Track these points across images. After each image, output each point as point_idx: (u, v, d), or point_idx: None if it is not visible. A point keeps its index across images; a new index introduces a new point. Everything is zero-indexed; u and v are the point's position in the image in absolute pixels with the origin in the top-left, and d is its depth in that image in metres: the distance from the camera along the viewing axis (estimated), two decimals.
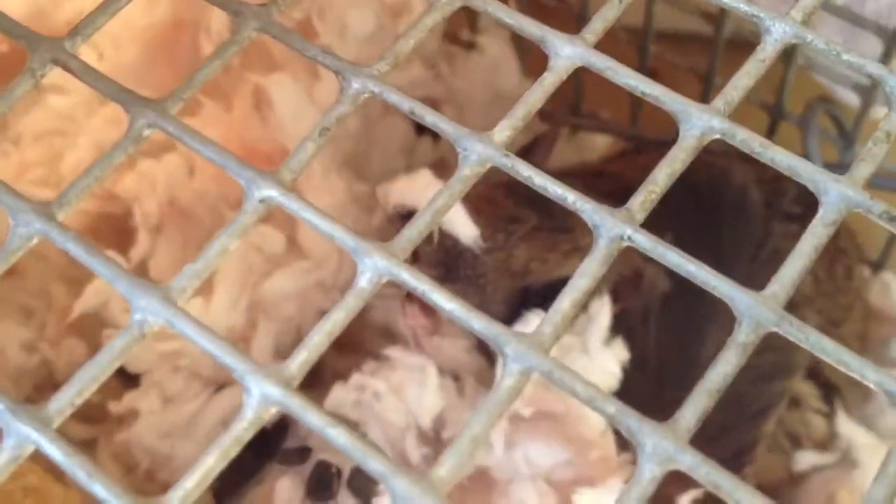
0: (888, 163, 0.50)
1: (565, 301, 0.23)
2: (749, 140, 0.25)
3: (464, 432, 0.21)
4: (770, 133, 0.54)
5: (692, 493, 0.38)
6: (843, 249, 0.50)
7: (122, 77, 0.28)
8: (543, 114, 0.62)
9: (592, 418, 0.38)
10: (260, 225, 0.47)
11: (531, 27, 0.27)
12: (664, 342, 0.44)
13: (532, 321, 0.38)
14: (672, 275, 0.24)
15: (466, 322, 0.23)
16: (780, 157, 0.25)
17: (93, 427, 0.49)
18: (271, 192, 0.25)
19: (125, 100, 0.26)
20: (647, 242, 0.24)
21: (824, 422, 0.48)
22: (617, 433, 0.38)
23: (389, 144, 0.55)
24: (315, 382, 0.49)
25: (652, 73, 0.57)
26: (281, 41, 0.27)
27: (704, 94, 0.55)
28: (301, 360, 0.23)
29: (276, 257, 0.46)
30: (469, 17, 0.59)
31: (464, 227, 0.39)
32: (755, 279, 0.46)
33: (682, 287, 0.25)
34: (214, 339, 0.23)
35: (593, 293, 0.24)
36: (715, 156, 0.44)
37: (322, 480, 0.40)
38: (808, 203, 0.25)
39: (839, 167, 0.52)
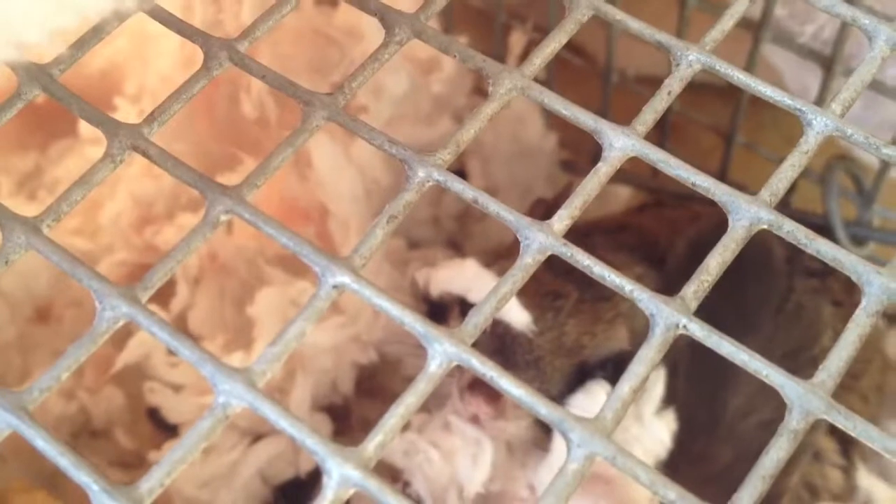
0: None
1: (625, 387, 0.25)
2: (795, 231, 0.27)
3: None
4: (790, 191, 0.56)
5: None
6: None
7: (162, 131, 0.29)
8: (566, 165, 0.63)
9: None
10: (297, 280, 0.48)
11: (586, 119, 0.29)
12: (693, 395, 0.45)
13: (594, 390, 0.40)
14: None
15: (532, 407, 0.24)
16: (824, 248, 0.26)
17: (131, 474, 0.51)
18: (345, 278, 0.26)
19: (203, 186, 0.28)
20: (701, 331, 0.25)
21: (842, 475, 0.49)
22: None
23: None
24: (344, 429, 0.51)
25: (673, 127, 0.60)
26: (348, 129, 0.29)
27: (726, 151, 0.56)
28: (377, 443, 0.24)
29: None
30: None
31: (516, 313, 0.40)
32: (779, 334, 0.47)
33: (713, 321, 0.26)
34: (295, 422, 0.24)
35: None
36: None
37: None
38: None
39: (858, 225, 0.53)
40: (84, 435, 0.53)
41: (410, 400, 0.25)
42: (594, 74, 0.59)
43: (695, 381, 0.45)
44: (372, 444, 0.24)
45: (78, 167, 0.57)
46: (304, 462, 0.48)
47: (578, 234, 0.50)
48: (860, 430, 0.24)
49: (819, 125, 0.28)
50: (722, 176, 0.57)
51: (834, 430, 0.49)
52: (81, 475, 0.24)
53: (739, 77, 0.29)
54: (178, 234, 0.52)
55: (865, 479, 0.49)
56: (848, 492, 0.49)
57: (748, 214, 0.27)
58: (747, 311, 0.46)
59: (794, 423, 0.24)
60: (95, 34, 0.29)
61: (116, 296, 0.26)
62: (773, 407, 0.25)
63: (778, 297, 0.48)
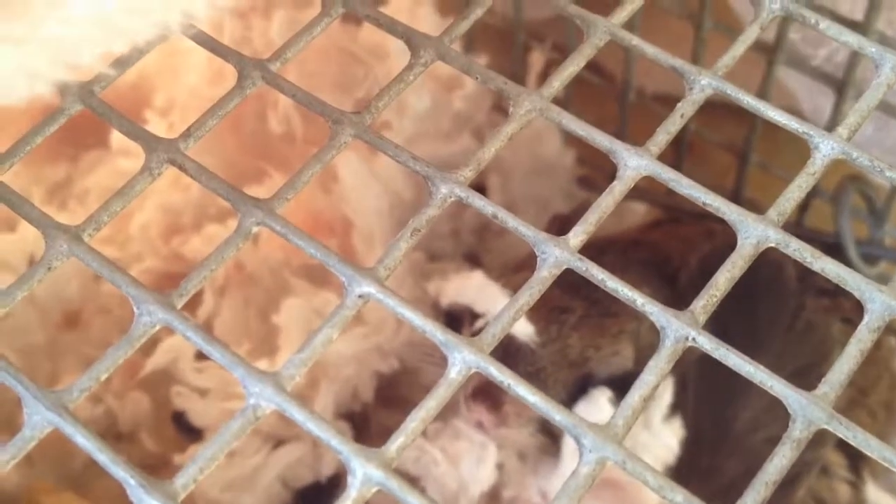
0: None
1: (635, 395, 0.26)
2: (801, 250, 0.28)
3: None
4: (802, 210, 0.57)
5: None
6: None
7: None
8: (583, 181, 0.64)
9: None
10: (321, 291, 0.50)
11: (602, 139, 0.30)
12: (701, 409, 0.47)
13: (596, 398, 0.41)
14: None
15: (547, 413, 0.26)
16: (829, 266, 0.28)
17: (156, 477, 0.52)
18: (370, 288, 0.28)
19: (236, 199, 0.29)
20: (709, 344, 0.26)
21: (850, 490, 0.50)
22: None
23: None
24: (363, 437, 0.52)
25: (691, 147, 0.61)
26: (375, 147, 0.30)
27: (741, 170, 0.58)
28: (399, 444, 0.26)
29: None
30: None
31: (521, 325, 0.42)
32: (789, 350, 0.48)
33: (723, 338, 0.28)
34: (321, 424, 0.26)
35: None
36: None
37: None
38: None
39: (869, 244, 0.54)
40: (110, 438, 0.55)
41: (431, 404, 0.26)
42: (613, 93, 0.60)
43: (704, 395, 0.46)
44: (394, 446, 0.25)
45: (108, 178, 0.58)
46: (325, 467, 0.49)
47: (593, 249, 0.52)
48: (860, 439, 0.25)
49: (826, 148, 0.30)
50: (737, 194, 0.58)
51: (842, 445, 0.50)
52: (119, 470, 0.25)
53: (749, 101, 0.31)
54: (204, 244, 0.53)
55: (874, 494, 0.50)
56: None
57: (756, 233, 0.28)
58: (758, 328, 0.47)
59: (796, 432, 0.25)
60: (138, 54, 0.31)
61: (153, 302, 0.27)
62: (781, 423, 0.26)
63: (789, 315, 0.49)
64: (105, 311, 0.57)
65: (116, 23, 0.25)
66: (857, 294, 0.27)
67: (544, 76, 0.63)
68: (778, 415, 0.27)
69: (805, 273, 0.52)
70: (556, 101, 0.64)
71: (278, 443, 0.50)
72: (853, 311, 0.51)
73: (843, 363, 0.26)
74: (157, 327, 0.27)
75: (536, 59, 0.63)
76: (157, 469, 0.53)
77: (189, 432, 0.51)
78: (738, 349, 0.28)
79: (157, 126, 0.56)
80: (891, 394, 0.55)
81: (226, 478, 0.48)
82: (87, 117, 0.32)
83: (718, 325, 0.46)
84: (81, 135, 0.60)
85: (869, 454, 0.25)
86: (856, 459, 0.50)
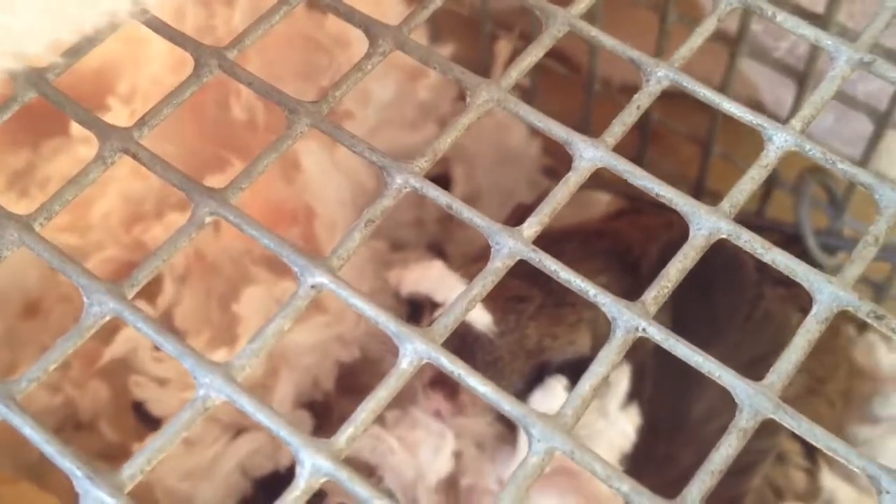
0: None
1: (585, 386, 0.26)
2: (752, 241, 0.28)
3: None
4: (764, 200, 0.57)
5: None
6: None
7: (151, 132, 0.30)
8: (549, 171, 0.65)
9: None
10: (282, 280, 0.50)
11: (559, 130, 0.30)
12: (658, 398, 0.47)
13: (552, 387, 0.41)
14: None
15: (497, 403, 0.26)
16: (779, 258, 0.28)
17: (115, 466, 0.52)
18: (323, 278, 0.27)
19: (189, 189, 0.29)
20: (659, 335, 0.27)
21: (806, 477, 0.50)
22: None
23: (400, 199, 0.57)
24: (325, 425, 0.52)
25: (653, 136, 0.61)
26: (331, 137, 0.30)
27: (704, 160, 0.58)
28: (348, 435, 0.25)
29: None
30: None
31: (479, 315, 0.42)
32: (747, 340, 0.49)
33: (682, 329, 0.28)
34: (271, 414, 0.26)
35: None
36: None
37: None
38: None
39: (829, 235, 0.55)
40: (69, 427, 0.55)
41: (382, 394, 0.26)
42: (579, 83, 0.60)
43: (661, 384, 0.47)
44: (344, 437, 0.25)
45: (69, 165, 0.58)
46: (284, 457, 0.49)
47: (554, 239, 0.52)
48: (805, 429, 0.25)
49: (779, 140, 0.30)
50: (699, 185, 0.59)
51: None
52: (66, 461, 0.25)
53: (706, 93, 0.31)
54: (166, 233, 0.53)
55: (830, 481, 0.50)
56: (812, 493, 0.51)
57: (708, 224, 0.28)
58: (716, 316, 0.48)
59: (743, 421, 0.25)
60: (89, 43, 0.30)
61: (104, 292, 0.27)
62: (735, 412, 0.26)
63: (747, 305, 0.49)
64: (65, 300, 0.56)
65: (64, 11, 0.25)
66: (806, 285, 0.27)
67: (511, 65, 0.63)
68: (733, 404, 0.27)
69: (764, 262, 0.53)
70: (522, 90, 0.64)
71: (238, 432, 0.49)
72: (811, 301, 0.52)
73: (791, 354, 0.26)
74: (108, 317, 0.27)
75: (503, 48, 0.62)
76: (117, 458, 0.53)
77: (149, 422, 0.51)
78: (697, 338, 0.28)
79: (119, 113, 0.56)
80: (848, 382, 0.55)
81: (184, 467, 0.48)
82: (47, 105, 0.32)
83: (678, 314, 0.46)
84: (42, 122, 0.60)
85: (815, 444, 0.26)
86: (811, 447, 0.51)
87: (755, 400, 0.26)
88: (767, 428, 0.50)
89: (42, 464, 0.51)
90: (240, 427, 0.50)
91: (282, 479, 0.51)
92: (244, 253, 0.50)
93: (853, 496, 0.51)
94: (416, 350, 0.26)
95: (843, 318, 0.61)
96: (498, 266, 0.28)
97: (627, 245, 0.51)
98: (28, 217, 0.29)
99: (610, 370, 0.26)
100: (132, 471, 0.25)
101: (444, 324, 0.27)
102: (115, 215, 0.55)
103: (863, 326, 0.58)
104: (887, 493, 0.25)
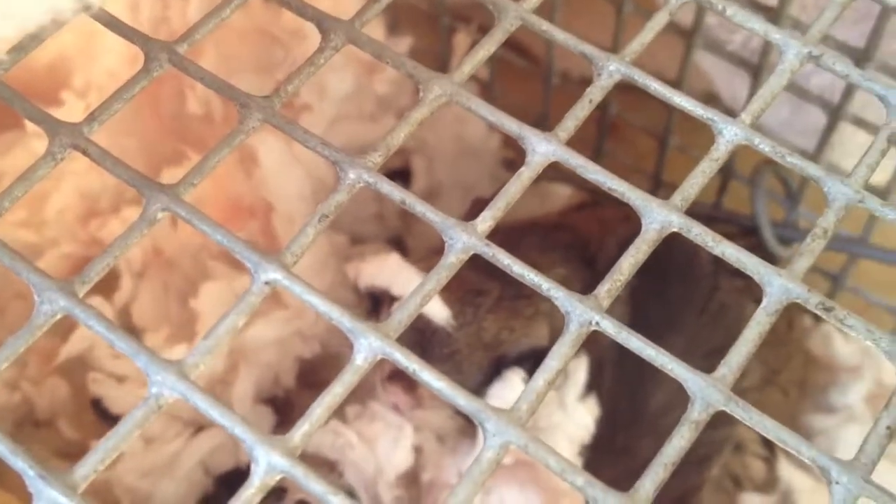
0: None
1: (539, 380, 0.26)
2: (703, 235, 0.28)
3: (450, 500, 0.24)
4: (721, 192, 0.58)
5: None
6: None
7: (107, 125, 0.30)
8: (509, 164, 0.65)
9: None
10: (241, 275, 0.49)
11: (511, 124, 0.30)
12: (617, 391, 0.47)
13: (510, 379, 0.41)
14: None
15: (452, 398, 0.26)
16: (729, 250, 0.28)
17: (73, 464, 0.51)
18: (276, 275, 0.27)
19: (141, 184, 0.29)
20: (612, 328, 0.27)
21: (764, 466, 0.51)
22: None
23: (361, 192, 0.57)
24: (286, 421, 0.52)
25: (612, 128, 0.61)
26: (283, 131, 0.30)
27: (661, 153, 0.58)
28: (303, 432, 0.25)
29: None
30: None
31: (437, 309, 0.42)
32: (703, 331, 0.49)
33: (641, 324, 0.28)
34: (225, 412, 0.26)
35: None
36: None
37: None
38: None
39: (785, 227, 0.55)
40: (28, 425, 0.54)
41: (337, 390, 0.26)
42: (538, 76, 0.60)
43: (620, 376, 0.47)
44: (299, 433, 0.25)
45: (24, 160, 0.57)
46: (245, 453, 0.49)
47: (514, 232, 0.52)
48: (755, 420, 0.26)
49: (729, 134, 0.30)
50: (657, 177, 0.59)
51: None
52: (18, 461, 0.25)
53: (656, 87, 0.31)
54: (122, 228, 0.52)
55: (786, 470, 0.51)
56: (770, 482, 0.52)
57: (659, 218, 0.28)
58: (673, 309, 0.48)
59: (695, 414, 0.26)
60: (34, 40, 0.30)
61: (55, 289, 0.27)
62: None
63: (703, 297, 0.50)
64: (21, 298, 0.56)
65: (5, 8, 0.24)
66: (756, 278, 0.28)
67: None
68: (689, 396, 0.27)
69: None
70: (481, 84, 0.64)
71: (198, 429, 0.49)
72: None
73: (742, 347, 0.27)
74: (59, 316, 0.27)
75: (461, 41, 0.63)
76: (76, 456, 0.52)
77: (108, 419, 0.51)
78: (654, 331, 0.28)
79: (74, 107, 0.55)
80: (804, 372, 0.56)
81: (144, 465, 0.48)
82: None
83: (635, 307, 0.47)
84: None
85: (765, 435, 0.26)
86: None
87: (707, 392, 0.26)
88: (725, 418, 0.51)
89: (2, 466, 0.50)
90: (200, 424, 0.50)
91: (243, 475, 0.50)
92: (202, 248, 0.50)
93: (810, 484, 0.52)
94: (370, 346, 0.26)
95: (799, 309, 0.62)
96: (452, 261, 0.28)
97: (586, 238, 0.52)
98: None
99: (564, 364, 0.27)
100: (85, 470, 0.25)
101: (399, 319, 0.27)
102: (71, 211, 0.54)
103: (819, 317, 0.59)
104: (837, 483, 0.25)
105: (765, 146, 0.30)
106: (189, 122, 0.53)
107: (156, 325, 0.50)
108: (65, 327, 0.51)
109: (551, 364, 0.26)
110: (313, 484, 0.24)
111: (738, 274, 0.52)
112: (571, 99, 0.31)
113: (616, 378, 0.47)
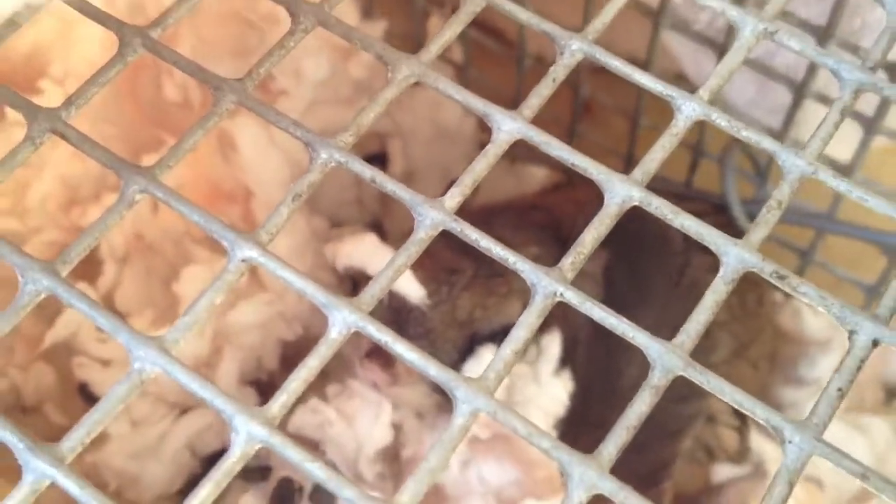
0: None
1: (507, 350, 0.27)
2: (662, 207, 0.29)
3: (422, 465, 0.25)
4: (691, 170, 0.59)
5: None
6: (755, 281, 0.55)
7: (87, 113, 0.31)
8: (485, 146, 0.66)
9: None
10: (222, 258, 0.50)
11: (477, 103, 0.31)
12: (591, 367, 0.48)
13: (483, 355, 0.43)
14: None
15: (423, 369, 0.27)
16: (688, 222, 0.29)
17: None
18: (252, 252, 0.28)
19: (118, 167, 0.30)
20: (576, 299, 0.28)
21: (737, 436, 0.52)
22: None
23: (341, 177, 0.58)
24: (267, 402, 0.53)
25: (586, 109, 0.62)
26: (256, 113, 0.31)
27: (632, 132, 0.59)
28: (281, 403, 0.26)
29: (239, 289, 0.49)
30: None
31: (411, 288, 0.43)
32: (673, 306, 0.50)
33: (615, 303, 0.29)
34: (205, 384, 0.26)
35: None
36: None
37: (285, 496, 0.44)
38: None
39: (754, 203, 0.57)
40: (15, 411, 0.55)
41: (312, 363, 0.27)
42: (512, 58, 0.61)
43: (593, 353, 0.48)
44: (277, 404, 0.26)
45: (3, 148, 0.58)
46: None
47: (490, 212, 0.53)
48: (713, 384, 0.27)
49: (688, 110, 0.31)
50: (629, 156, 0.60)
51: None
52: (6, 434, 0.26)
53: (618, 66, 0.32)
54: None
55: (757, 441, 0.52)
56: (743, 452, 0.53)
57: (621, 192, 0.30)
58: (644, 285, 0.49)
59: (655, 379, 0.27)
60: (9, 26, 0.31)
61: (38, 270, 0.28)
62: None
63: (673, 273, 0.51)
64: (8, 285, 0.56)
65: None
66: (713, 248, 0.29)
67: None
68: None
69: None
70: (455, 66, 0.65)
71: (184, 410, 0.50)
72: None
73: (700, 314, 0.28)
74: (43, 295, 0.28)
75: (435, 25, 0.63)
76: None
77: (94, 402, 0.52)
78: (625, 306, 0.29)
79: (53, 95, 0.56)
80: (773, 345, 0.57)
81: (131, 447, 0.49)
82: None
83: (608, 284, 0.48)
84: None
85: (721, 398, 0.27)
86: None
87: (666, 359, 0.27)
88: (696, 392, 0.52)
89: None
90: (186, 406, 0.51)
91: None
92: (184, 234, 0.51)
93: (780, 456, 0.53)
94: (344, 319, 0.27)
95: (769, 285, 0.63)
96: (421, 236, 0.29)
97: (559, 219, 0.53)
98: None
99: (530, 334, 0.28)
100: (72, 443, 0.26)
101: (371, 293, 0.28)
102: (53, 199, 0.55)
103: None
104: (790, 442, 0.26)
105: (721, 121, 0.31)
106: (167, 109, 0.54)
107: (140, 309, 0.51)
108: (50, 313, 0.51)
109: (518, 334, 0.27)
110: (291, 452, 0.25)
111: (708, 251, 0.53)
112: None
113: (590, 354, 0.48)
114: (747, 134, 0.31)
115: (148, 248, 0.51)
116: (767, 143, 0.31)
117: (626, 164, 0.61)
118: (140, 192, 0.29)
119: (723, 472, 0.51)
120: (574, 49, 0.32)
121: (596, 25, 0.33)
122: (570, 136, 0.62)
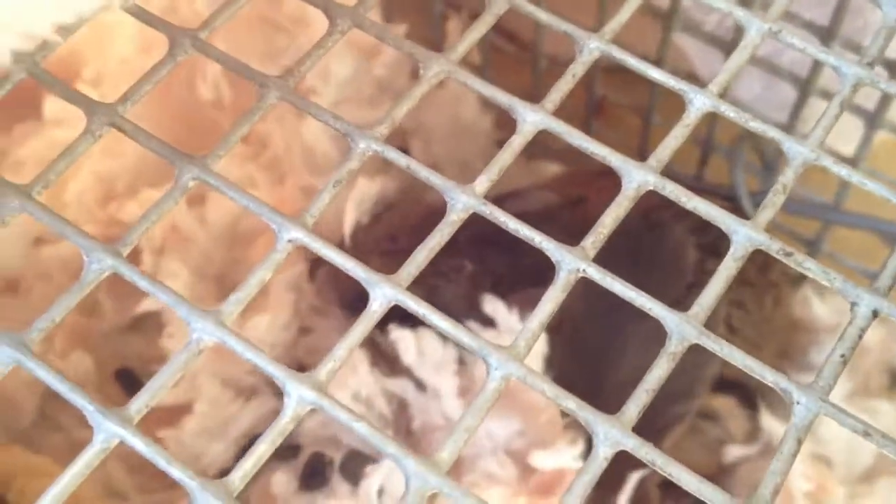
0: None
1: (534, 322, 0.30)
2: (676, 191, 0.32)
3: (459, 424, 0.28)
4: (702, 164, 0.61)
5: (639, 473, 0.45)
6: (774, 283, 0.58)
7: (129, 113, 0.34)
8: (502, 143, 0.68)
9: None
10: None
11: (502, 97, 0.34)
12: (574, 367, 0.51)
13: (489, 303, 0.46)
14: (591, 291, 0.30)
15: (456, 338, 0.29)
16: (700, 205, 0.32)
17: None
18: (298, 234, 0.31)
19: (172, 157, 0.32)
20: (597, 274, 0.30)
21: (747, 423, 0.55)
22: None
23: None
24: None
25: (599, 109, 0.65)
26: (299, 107, 0.34)
27: (645, 129, 0.62)
28: (329, 369, 0.29)
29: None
30: None
31: None
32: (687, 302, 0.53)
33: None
34: (258, 353, 0.29)
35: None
36: (655, 209, 0.52)
37: (317, 470, 0.47)
38: None
39: (762, 195, 0.59)
40: (54, 398, 0.57)
41: (357, 332, 0.29)
42: (527, 61, 0.64)
43: (578, 354, 0.51)
44: (325, 370, 0.29)
45: (43, 148, 0.60)
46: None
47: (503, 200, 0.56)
48: (726, 352, 0.29)
49: (699, 103, 0.33)
50: (641, 151, 0.63)
51: (739, 385, 0.55)
52: (77, 398, 0.28)
53: (633, 63, 0.34)
54: (140, 209, 0.56)
55: (767, 421, 0.54)
56: (753, 432, 0.55)
57: (637, 178, 0.32)
58: (649, 292, 0.52)
59: (672, 347, 0.29)
60: (79, 22, 0.33)
61: (101, 250, 0.30)
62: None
63: (681, 290, 0.53)
64: (44, 278, 0.59)
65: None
66: (723, 227, 0.31)
67: None
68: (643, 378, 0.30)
69: (708, 241, 0.56)
70: (474, 68, 0.67)
71: (249, 397, 0.53)
72: (756, 274, 0.57)
73: (712, 288, 0.30)
74: (107, 273, 0.30)
75: (454, 28, 0.66)
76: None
77: (133, 389, 0.54)
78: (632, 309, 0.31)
79: (89, 94, 0.58)
80: (786, 336, 0.60)
81: (202, 425, 0.51)
82: (17, 89, 0.35)
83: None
84: (12, 107, 0.62)
85: (734, 363, 0.29)
86: (749, 398, 0.55)
87: (681, 328, 0.29)
88: (686, 393, 0.54)
89: (33, 433, 0.54)
90: (252, 391, 0.53)
91: (257, 435, 0.54)
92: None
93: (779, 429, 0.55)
94: (384, 294, 0.30)
95: (787, 285, 0.64)
96: (453, 219, 0.31)
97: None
98: (27, 186, 0.32)
99: (556, 307, 0.30)
100: (138, 405, 0.28)
101: (408, 271, 0.30)
102: (90, 194, 0.57)
103: (796, 281, 0.63)
104: (797, 403, 0.29)
105: (730, 112, 0.33)
106: (200, 108, 0.57)
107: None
108: (90, 303, 0.54)
109: (546, 307, 0.30)
110: (339, 412, 0.28)
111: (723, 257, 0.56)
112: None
113: (574, 356, 0.51)
114: (755, 124, 0.33)
115: (183, 238, 0.54)
116: (773, 133, 0.33)
117: (639, 159, 0.63)
118: (193, 179, 0.32)
119: (734, 452, 0.53)
120: (592, 48, 0.35)
121: (612, 26, 0.35)
122: (586, 132, 0.64)
